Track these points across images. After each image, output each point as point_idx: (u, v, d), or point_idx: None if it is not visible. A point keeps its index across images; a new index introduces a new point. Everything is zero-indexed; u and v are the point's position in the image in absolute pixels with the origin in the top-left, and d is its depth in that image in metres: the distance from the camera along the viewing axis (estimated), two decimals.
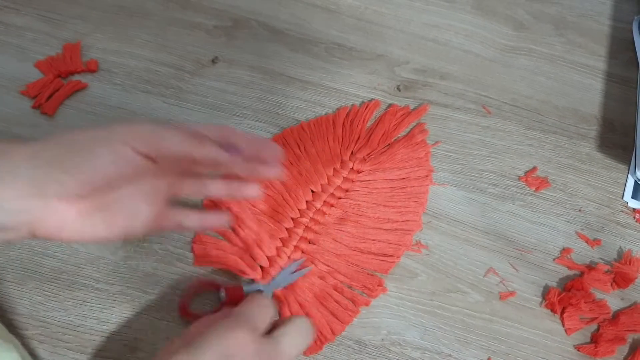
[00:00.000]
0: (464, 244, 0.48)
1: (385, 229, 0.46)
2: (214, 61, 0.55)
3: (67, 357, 0.40)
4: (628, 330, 0.44)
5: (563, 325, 0.45)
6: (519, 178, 0.52)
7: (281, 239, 0.45)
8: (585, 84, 0.58)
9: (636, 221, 0.50)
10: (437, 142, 0.52)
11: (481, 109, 0.55)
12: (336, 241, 0.45)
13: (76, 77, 0.52)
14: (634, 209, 0.51)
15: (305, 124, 0.50)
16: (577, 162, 0.53)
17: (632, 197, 0.51)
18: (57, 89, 0.51)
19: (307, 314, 0.42)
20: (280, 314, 0.42)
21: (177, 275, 0.44)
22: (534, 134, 0.54)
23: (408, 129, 0.52)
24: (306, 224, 0.45)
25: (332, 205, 0.47)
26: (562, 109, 0.56)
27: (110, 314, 0.42)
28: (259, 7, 0.59)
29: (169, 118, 0.51)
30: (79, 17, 0.56)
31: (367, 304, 0.44)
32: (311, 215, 0.46)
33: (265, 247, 0.44)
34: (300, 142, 0.50)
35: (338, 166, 0.48)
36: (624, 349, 0.44)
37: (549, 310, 0.45)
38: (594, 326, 0.45)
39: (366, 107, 0.52)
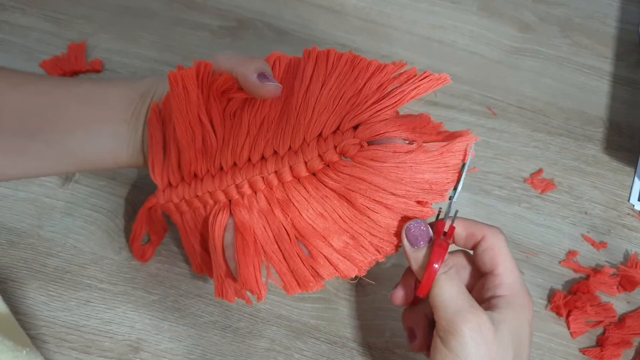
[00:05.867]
0: None
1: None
2: None
3: (70, 357, 0.40)
4: (634, 334, 0.44)
5: (568, 329, 0.44)
6: (525, 180, 0.51)
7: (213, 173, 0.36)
8: (591, 86, 0.58)
9: None
10: None
11: (487, 110, 0.55)
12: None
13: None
14: None
15: (335, 54, 0.36)
16: (583, 164, 0.53)
17: (639, 200, 0.51)
18: None
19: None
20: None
21: (181, 276, 0.44)
22: (540, 135, 0.54)
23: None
24: (237, 182, 0.35)
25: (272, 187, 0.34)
26: (568, 111, 0.56)
27: (113, 314, 0.42)
28: (264, 8, 0.59)
29: None
30: (84, 17, 0.56)
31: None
32: (242, 178, 0.35)
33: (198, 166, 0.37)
34: (312, 76, 0.35)
35: (325, 133, 0.33)
36: (630, 352, 0.44)
37: (554, 313, 0.45)
38: (599, 329, 0.45)
39: (422, 79, 0.32)
